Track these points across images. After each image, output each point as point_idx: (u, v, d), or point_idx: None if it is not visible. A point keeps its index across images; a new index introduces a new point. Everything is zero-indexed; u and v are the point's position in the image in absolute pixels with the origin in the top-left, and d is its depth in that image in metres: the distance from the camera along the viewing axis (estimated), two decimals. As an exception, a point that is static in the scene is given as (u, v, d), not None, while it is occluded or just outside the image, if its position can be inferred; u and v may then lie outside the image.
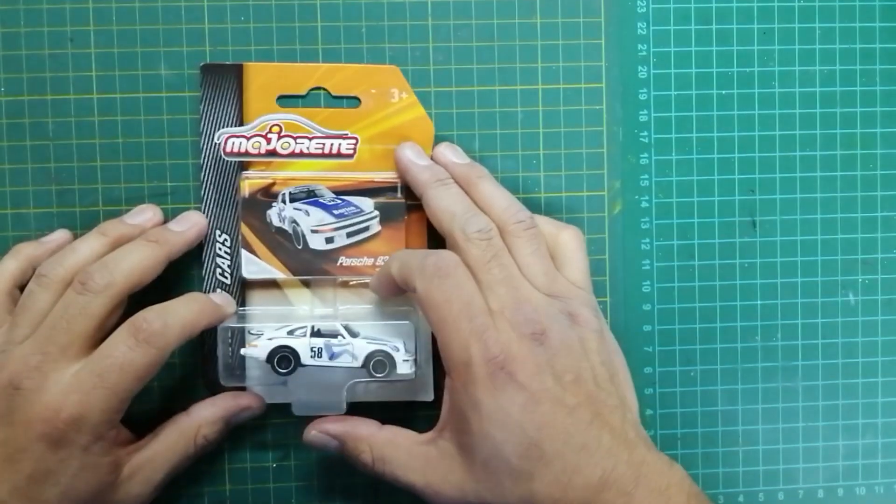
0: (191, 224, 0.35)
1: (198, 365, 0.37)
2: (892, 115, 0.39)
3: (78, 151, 0.37)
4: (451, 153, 0.36)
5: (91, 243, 0.34)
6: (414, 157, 0.36)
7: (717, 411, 0.39)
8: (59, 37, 0.37)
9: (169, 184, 0.37)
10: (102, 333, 0.32)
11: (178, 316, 0.32)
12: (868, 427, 0.40)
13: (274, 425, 0.38)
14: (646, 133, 0.39)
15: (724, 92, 0.39)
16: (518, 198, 0.38)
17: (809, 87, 0.39)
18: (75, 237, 0.35)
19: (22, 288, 0.34)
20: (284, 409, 0.37)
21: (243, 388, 0.36)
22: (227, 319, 0.35)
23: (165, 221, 0.36)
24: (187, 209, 0.37)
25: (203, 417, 0.35)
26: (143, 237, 0.34)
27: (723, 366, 0.39)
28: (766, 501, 0.40)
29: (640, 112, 0.39)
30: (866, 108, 0.39)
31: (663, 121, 0.39)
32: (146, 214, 0.36)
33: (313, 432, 0.34)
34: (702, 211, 0.39)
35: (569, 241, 0.35)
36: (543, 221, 0.35)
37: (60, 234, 0.36)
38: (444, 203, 0.34)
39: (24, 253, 0.35)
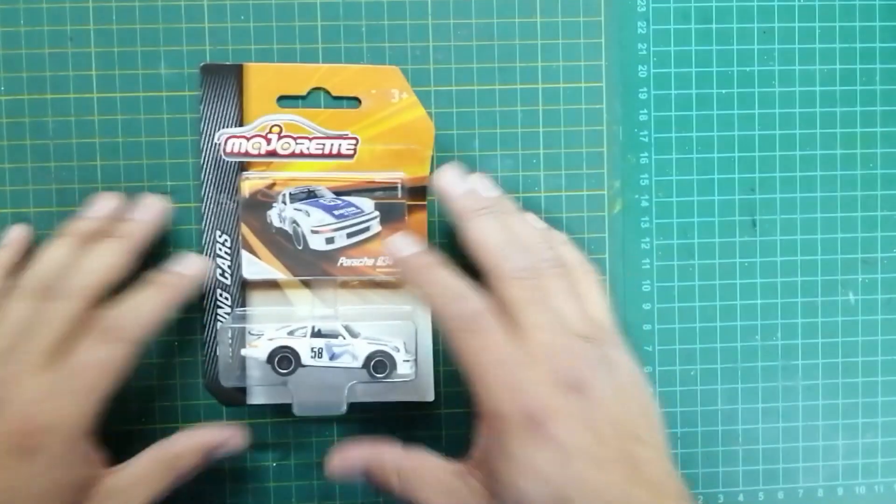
0: (150, 209, 0.35)
1: (197, 366, 0.37)
2: (892, 114, 0.39)
3: (78, 150, 0.37)
4: (481, 185, 0.35)
5: (58, 248, 0.33)
6: (454, 182, 0.34)
7: (717, 410, 0.39)
8: (59, 36, 0.37)
9: (169, 183, 0.37)
10: (72, 339, 0.31)
11: (141, 309, 0.32)
12: (868, 426, 0.40)
13: (274, 425, 0.38)
14: (646, 132, 0.39)
15: (723, 91, 0.39)
16: (518, 197, 0.38)
17: (809, 86, 0.39)
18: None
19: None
20: (284, 409, 0.37)
21: (243, 389, 0.36)
22: (202, 281, 0.34)
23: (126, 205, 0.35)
24: (187, 208, 0.37)
25: (182, 449, 0.33)
26: (107, 234, 0.33)
27: (723, 365, 0.39)
28: (765, 500, 0.40)
29: (640, 111, 0.39)
30: (866, 107, 0.39)
31: (663, 120, 0.39)
32: (100, 203, 0.35)
33: (337, 464, 0.33)
34: (702, 210, 0.39)
35: (587, 277, 0.34)
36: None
37: (18, 232, 0.36)
38: (480, 235, 0.33)
39: None
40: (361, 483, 0.33)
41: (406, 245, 0.33)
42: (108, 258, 0.33)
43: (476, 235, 0.33)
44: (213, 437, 0.34)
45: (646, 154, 0.39)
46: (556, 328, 0.31)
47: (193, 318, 0.37)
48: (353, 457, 0.33)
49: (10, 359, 0.30)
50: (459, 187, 0.34)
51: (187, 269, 0.34)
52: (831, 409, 0.40)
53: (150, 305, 0.32)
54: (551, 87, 0.38)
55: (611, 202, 0.39)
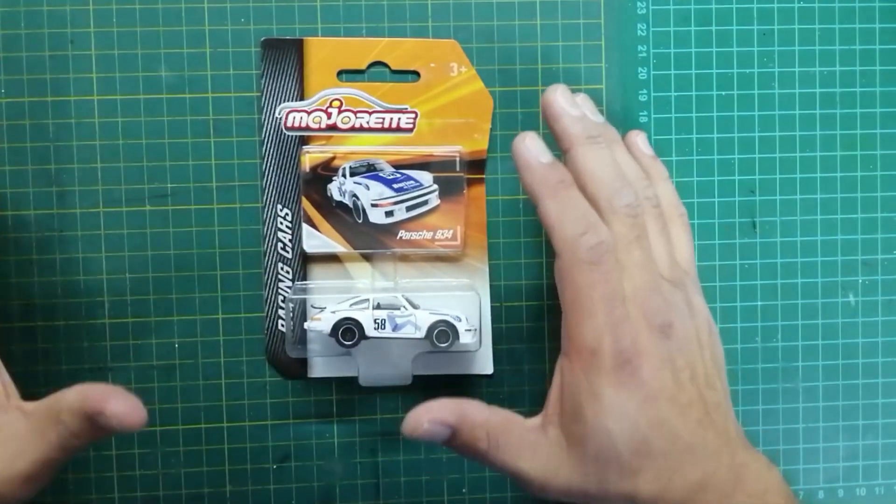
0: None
1: (259, 342, 0.37)
2: (892, 115, 0.39)
3: (78, 153, 0.37)
4: (590, 110, 0.33)
5: None
6: (566, 104, 0.32)
7: (718, 412, 0.39)
8: (60, 38, 0.37)
9: (169, 185, 0.37)
10: None
11: None
12: (868, 428, 0.40)
13: (274, 426, 0.38)
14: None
15: (723, 93, 0.39)
16: (518, 199, 0.38)
17: (809, 88, 0.39)
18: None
19: None
20: (284, 408, 0.37)
21: (305, 363, 0.37)
22: None
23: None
24: (188, 210, 0.37)
25: (66, 401, 0.28)
26: None
27: (723, 367, 0.39)
28: (766, 502, 0.40)
29: (641, 113, 0.39)
30: (866, 109, 0.39)
31: (663, 122, 0.39)
32: None
33: (426, 425, 0.30)
34: (702, 212, 0.39)
35: (679, 220, 0.34)
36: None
37: None
38: (592, 165, 0.32)
39: None
40: (443, 444, 0.30)
41: (540, 151, 0.31)
42: None
43: (589, 165, 0.32)
44: (99, 396, 0.28)
45: (646, 156, 0.39)
46: (649, 269, 0.31)
47: (256, 294, 0.37)
48: (441, 414, 0.30)
49: None
50: (573, 111, 0.32)
51: None
52: (832, 411, 0.40)
53: None
54: (551, 90, 0.38)
55: (611, 204, 0.39)
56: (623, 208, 0.31)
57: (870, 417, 0.40)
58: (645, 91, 0.39)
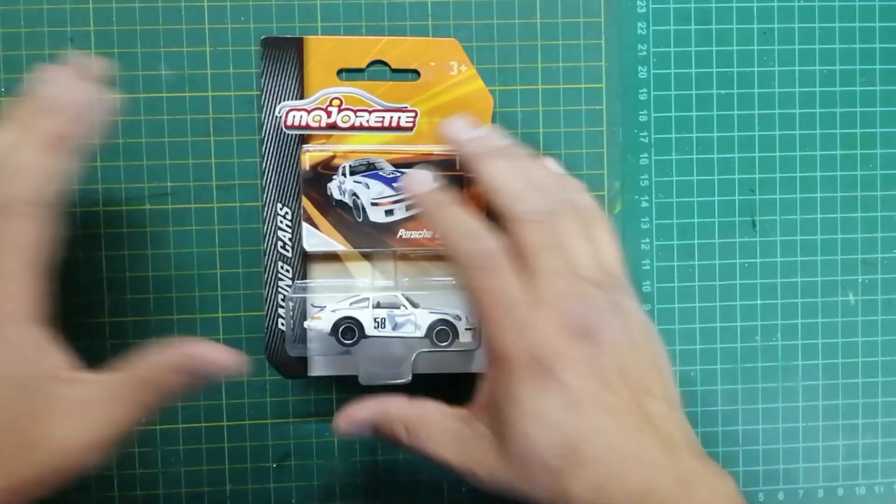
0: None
1: (259, 341, 0.37)
2: (892, 114, 0.39)
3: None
4: (493, 133, 0.34)
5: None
6: (463, 128, 0.34)
7: (717, 411, 0.39)
8: (60, 37, 0.37)
9: (169, 184, 0.37)
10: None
11: (31, 169, 0.28)
12: (868, 427, 0.40)
13: (273, 425, 0.38)
14: (646, 133, 0.39)
15: (723, 92, 0.39)
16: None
17: (809, 86, 0.39)
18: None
19: None
20: (284, 407, 0.37)
21: (305, 362, 0.37)
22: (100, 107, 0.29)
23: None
24: (187, 209, 0.37)
25: (165, 361, 0.29)
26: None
27: (723, 366, 0.39)
28: (766, 501, 0.40)
29: (640, 112, 0.39)
30: (866, 107, 0.39)
31: (663, 121, 0.39)
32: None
33: (343, 425, 0.32)
34: (702, 211, 0.39)
35: (600, 223, 0.33)
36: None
37: None
38: (500, 177, 0.32)
39: None
40: (370, 438, 0.32)
41: (423, 181, 0.33)
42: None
43: (491, 177, 0.32)
44: (194, 351, 0.29)
45: (646, 155, 0.39)
46: (568, 274, 0.30)
47: (256, 293, 0.37)
48: (360, 414, 0.32)
49: None
50: (469, 133, 0.33)
51: (63, 89, 0.28)
52: (831, 410, 0.40)
53: (37, 161, 0.28)
54: (551, 89, 0.38)
55: (611, 203, 0.39)
56: (530, 214, 0.31)
57: (869, 416, 0.40)
58: (645, 90, 0.39)
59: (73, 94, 0.29)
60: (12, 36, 0.36)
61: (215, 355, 0.29)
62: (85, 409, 0.28)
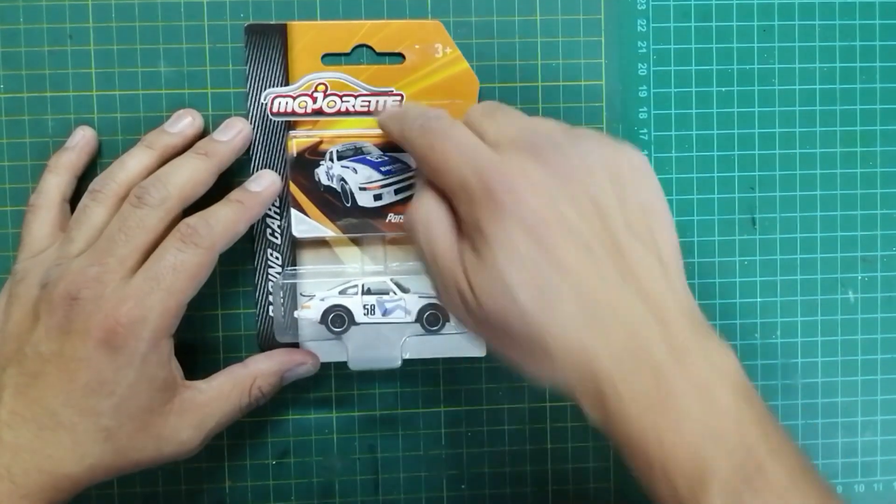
0: (236, 132, 0.35)
1: (251, 323, 0.38)
2: (892, 112, 0.39)
3: (77, 148, 0.37)
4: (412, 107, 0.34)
5: (139, 157, 0.34)
6: (388, 110, 0.34)
7: (717, 409, 0.39)
8: (59, 33, 0.37)
9: (168, 181, 0.37)
10: (157, 244, 0.32)
11: (219, 216, 0.32)
12: (867, 424, 0.40)
13: (272, 422, 0.38)
14: (645, 130, 0.39)
15: (723, 89, 0.39)
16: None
17: (809, 84, 0.39)
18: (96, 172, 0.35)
19: (70, 200, 0.35)
20: (283, 406, 0.37)
21: (297, 345, 0.37)
22: (270, 199, 0.34)
23: (205, 130, 0.36)
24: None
25: (259, 370, 0.35)
26: (193, 151, 0.34)
27: (722, 363, 0.39)
28: (765, 499, 0.40)
29: (640, 109, 0.39)
30: (866, 105, 0.39)
31: (663, 118, 0.39)
32: (185, 120, 0.35)
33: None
34: (701, 208, 0.39)
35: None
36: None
37: (82, 133, 0.36)
38: (444, 141, 0.29)
39: (61, 164, 0.35)
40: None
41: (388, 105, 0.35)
42: (195, 174, 0.33)
43: (433, 150, 0.29)
44: (290, 358, 0.35)
45: (646, 152, 0.39)
46: (522, 124, 0.29)
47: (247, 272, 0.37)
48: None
49: (99, 259, 0.31)
50: (396, 111, 0.34)
51: (262, 187, 0.34)
52: (830, 408, 0.40)
53: (230, 217, 0.33)
54: (551, 86, 0.38)
55: (610, 200, 0.39)
56: (469, 114, 0.31)
57: (868, 414, 0.40)
58: (645, 87, 0.39)
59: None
60: (11, 32, 0.36)
61: (301, 358, 0.36)
62: (195, 409, 0.32)
